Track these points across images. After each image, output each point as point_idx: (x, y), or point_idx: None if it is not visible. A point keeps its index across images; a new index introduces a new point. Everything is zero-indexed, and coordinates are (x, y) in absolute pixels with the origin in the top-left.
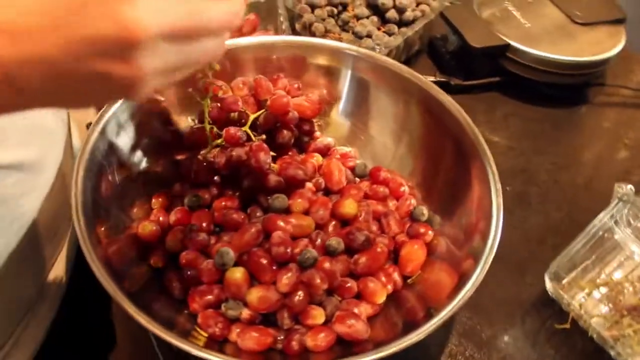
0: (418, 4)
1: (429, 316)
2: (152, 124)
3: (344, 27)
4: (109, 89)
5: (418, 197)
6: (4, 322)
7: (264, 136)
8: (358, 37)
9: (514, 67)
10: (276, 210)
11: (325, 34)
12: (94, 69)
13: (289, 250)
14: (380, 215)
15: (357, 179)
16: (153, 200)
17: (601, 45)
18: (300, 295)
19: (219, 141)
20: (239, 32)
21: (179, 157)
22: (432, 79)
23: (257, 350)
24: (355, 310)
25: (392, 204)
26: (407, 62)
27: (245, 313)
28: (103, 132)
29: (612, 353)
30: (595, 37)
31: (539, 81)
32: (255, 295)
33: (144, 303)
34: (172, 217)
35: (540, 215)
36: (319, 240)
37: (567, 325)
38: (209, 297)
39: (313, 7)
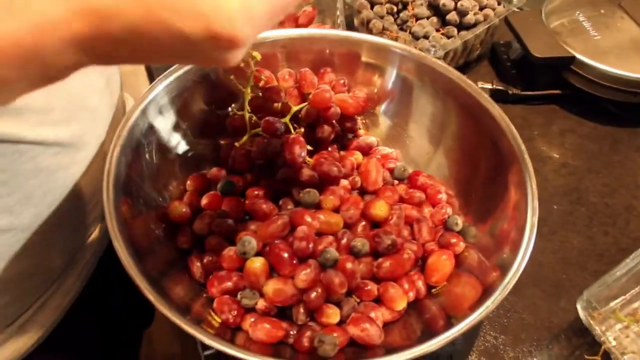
0: (482, 8)
1: (447, 328)
2: (197, 106)
3: (402, 26)
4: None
5: (455, 206)
6: (30, 287)
7: (302, 129)
8: (415, 37)
9: (577, 81)
10: (306, 205)
11: (383, 31)
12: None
13: (310, 246)
14: (413, 220)
15: (396, 182)
16: (188, 182)
17: None
18: (317, 292)
19: (257, 130)
20: (295, 23)
21: (222, 142)
22: (489, 86)
23: (268, 342)
24: (372, 315)
25: (427, 210)
26: (466, 66)
27: (261, 304)
28: (144, 111)
29: None
30: None
31: (602, 97)
32: (271, 287)
33: (163, 282)
34: (204, 201)
35: (585, 239)
36: (344, 240)
37: (598, 358)
38: (228, 283)
39: (373, 3)
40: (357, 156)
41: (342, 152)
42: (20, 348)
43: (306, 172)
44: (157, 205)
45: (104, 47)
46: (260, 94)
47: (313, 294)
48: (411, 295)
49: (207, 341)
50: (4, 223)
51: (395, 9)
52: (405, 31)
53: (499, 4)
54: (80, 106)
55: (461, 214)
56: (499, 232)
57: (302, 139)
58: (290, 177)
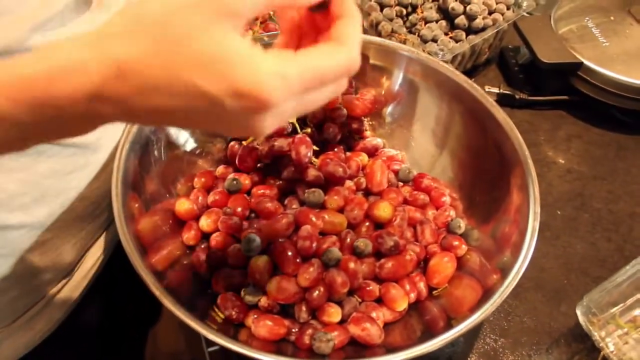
0: (490, 12)
1: (447, 329)
2: None
3: (411, 29)
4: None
5: (459, 209)
6: (39, 283)
7: (309, 129)
8: (423, 40)
9: (584, 87)
10: (311, 205)
11: (391, 34)
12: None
13: (314, 245)
14: (417, 222)
15: (401, 183)
16: (196, 179)
17: None
18: (319, 290)
19: None
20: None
21: (229, 140)
22: (496, 90)
23: (270, 339)
24: (373, 314)
25: (431, 212)
26: (474, 70)
27: (264, 301)
28: None
29: None
30: None
31: (609, 104)
32: (274, 284)
33: (169, 278)
34: (210, 198)
35: (587, 245)
36: (348, 240)
37: None
38: (232, 280)
39: (382, 6)
40: (363, 157)
41: (348, 153)
42: (27, 342)
43: (312, 172)
44: (165, 201)
45: (121, 100)
46: None
47: (315, 293)
48: (412, 296)
49: (211, 337)
50: (18, 220)
51: (404, 11)
52: (414, 34)
53: (508, 8)
54: None
55: (464, 217)
56: (501, 235)
57: (308, 139)
58: (296, 176)
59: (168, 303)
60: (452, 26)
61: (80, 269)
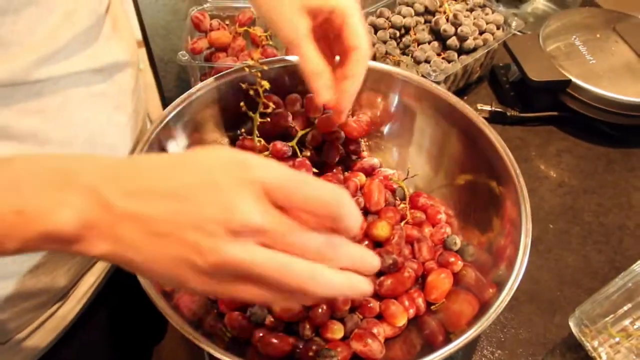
0: (481, 32)
1: (446, 343)
2: (210, 129)
3: (405, 50)
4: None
5: (455, 226)
6: (30, 306)
7: (308, 153)
8: (417, 61)
9: (573, 104)
10: None
11: (385, 56)
12: None
13: None
14: (414, 240)
15: (398, 202)
16: None
17: None
18: (322, 308)
19: (265, 154)
20: None
21: None
22: (488, 108)
23: (275, 356)
24: (375, 330)
25: (427, 230)
26: (466, 88)
27: (269, 320)
28: (158, 136)
29: None
30: None
31: (597, 119)
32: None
33: (175, 296)
34: None
35: (579, 257)
36: None
37: None
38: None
39: (376, 28)
40: (361, 177)
41: (346, 174)
42: None
43: None
44: None
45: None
46: (269, 119)
47: (319, 311)
48: (411, 311)
49: (218, 355)
50: None
51: (397, 33)
52: (408, 55)
53: (498, 28)
54: (100, 142)
55: (460, 233)
56: (496, 250)
57: (308, 162)
58: None
59: (176, 322)
60: (444, 47)
61: (74, 294)
